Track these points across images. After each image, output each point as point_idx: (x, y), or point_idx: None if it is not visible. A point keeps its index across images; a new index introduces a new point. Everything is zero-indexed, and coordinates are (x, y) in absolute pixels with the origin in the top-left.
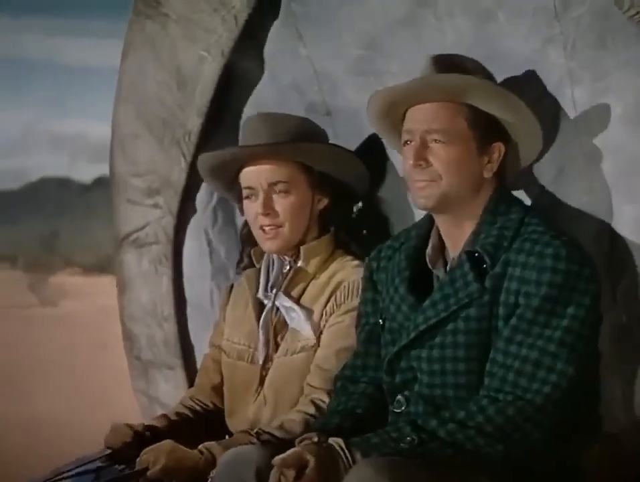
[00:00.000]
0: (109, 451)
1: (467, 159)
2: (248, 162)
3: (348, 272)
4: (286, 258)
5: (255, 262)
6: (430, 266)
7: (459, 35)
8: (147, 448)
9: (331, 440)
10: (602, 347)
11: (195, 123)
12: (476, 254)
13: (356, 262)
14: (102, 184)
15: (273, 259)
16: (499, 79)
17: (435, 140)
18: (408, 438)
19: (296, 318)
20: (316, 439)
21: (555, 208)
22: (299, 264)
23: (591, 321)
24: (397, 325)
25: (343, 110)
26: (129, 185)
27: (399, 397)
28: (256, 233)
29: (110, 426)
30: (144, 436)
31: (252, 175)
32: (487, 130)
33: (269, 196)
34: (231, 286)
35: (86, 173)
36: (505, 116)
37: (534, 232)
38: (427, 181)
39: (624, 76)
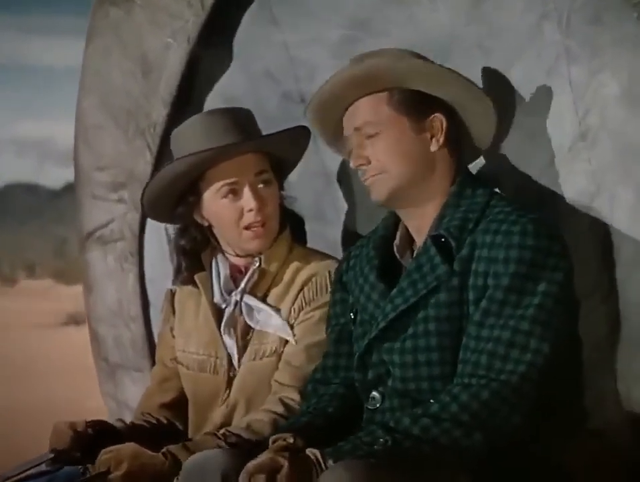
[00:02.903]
0: (52, 454)
1: (405, 142)
2: (219, 161)
3: (314, 267)
4: (231, 259)
5: (205, 267)
6: (397, 256)
7: (454, 13)
8: (108, 449)
9: (308, 451)
10: (597, 340)
11: (160, 113)
12: (442, 239)
13: (319, 256)
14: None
15: (218, 263)
16: (497, 57)
17: (368, 136)
18: (381, 440)
19: (269, 320)
20: (291, 440)
21: (550, 192)
22: (262, 265)
23: (564, 299)
24: (368, 316)
25: None
26: (93, 179)
27: (373, 393)
28: (237, 233)
29: (53, 426)
30: (88, 434)
31: (234, 169)
32: (419, 105)
33: (257, 188)
34: (171, 293)
35: (55, 177)
36: (429, 89)
37: (500, 212)
38: (373, 176)
39: (619, 54)
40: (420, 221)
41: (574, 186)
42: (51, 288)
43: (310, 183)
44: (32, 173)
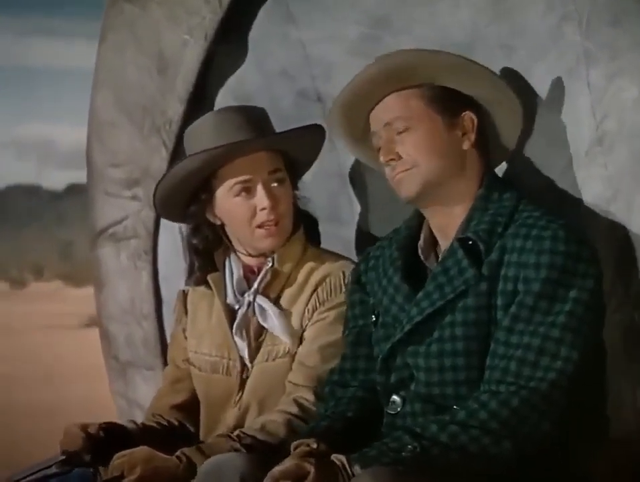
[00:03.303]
0: (63, 457)
1: (437, 137)
2: (231, 159)
3: (328, 268)
4: (244, 260)
5: (218, 267)
6: (422, 258)
7: (477, 11)
8: (121, 453)
9: (333, 457)
10: (612, 347)
11: (176, 110)
12: (469, 242)
13: (333, 257)
14: (74, 191)
15: (231, 263)
16: (518, 56)
17: (398, 133)
18: (409, 447)
19: (275, 324)
20: (314, 445)
21: (566, 198)
22: (275, 265)
23: (594, 305)
24: (392, 318)
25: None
26: (106, 175)
27: (394, 397)
28: (250, 232)
29: (64, 429)
30: (99, 437)
31: (248, 167)
32: (451, 101)
33: (270, 187)
34: (184, 294)
35: (56, 180)
36: (459, 85)
37: (529, 217)
38: (403, 171)
39: (638, 57)
40: (446, 222)
41: (590, 191)
42: (61, 290)
43: (325, 183)
44: (33, 175)
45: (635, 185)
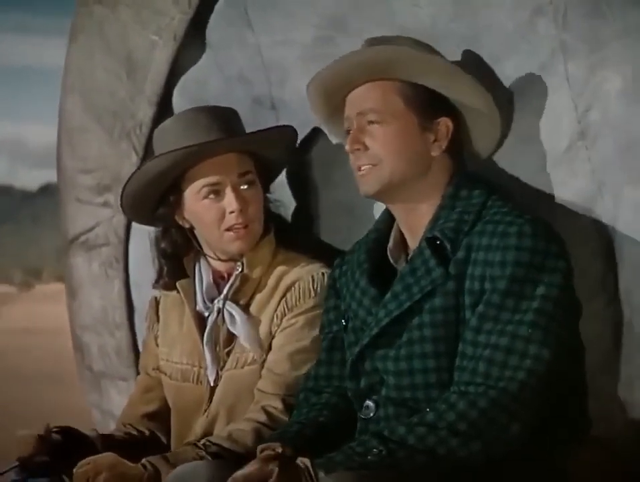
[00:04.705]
0: (17, 463)
1: (407, 138)
2: (200, 160)
3: (297, 272)
4: (214, 265)
5: (188, 273)
6: (392, 261)
7: (437, 9)
8: (85, 460)
9: (298, 460)
10: (602, 343)
11: (146, 113)
12: (437, 242)
13: (304, 261)
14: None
15: (201, 268)
16: (484, 55)
17: (370, 122)
18: (375, 450)
19: (241, 332)
20: (279, 449)
21: (548, 195)
22: (244, 270)
23: (565, 302)
24: (360, 322)
25: (290, 102)
26: (77, 182)
27: (367, 402)
28: (218, 235)
29: (17, 436)
30: (53, 439)
31: (217, 169)
32: (429, 105)
33: (239, 189)
34: (156, 301)
35: (29, 179)
36: (445, 90)
37: (496, 213)
38: (368, 166)
39: (622, 47)
40: (414, 221)
41: (574, 186)
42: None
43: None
44: (4, 174)
45: (621, 177)
